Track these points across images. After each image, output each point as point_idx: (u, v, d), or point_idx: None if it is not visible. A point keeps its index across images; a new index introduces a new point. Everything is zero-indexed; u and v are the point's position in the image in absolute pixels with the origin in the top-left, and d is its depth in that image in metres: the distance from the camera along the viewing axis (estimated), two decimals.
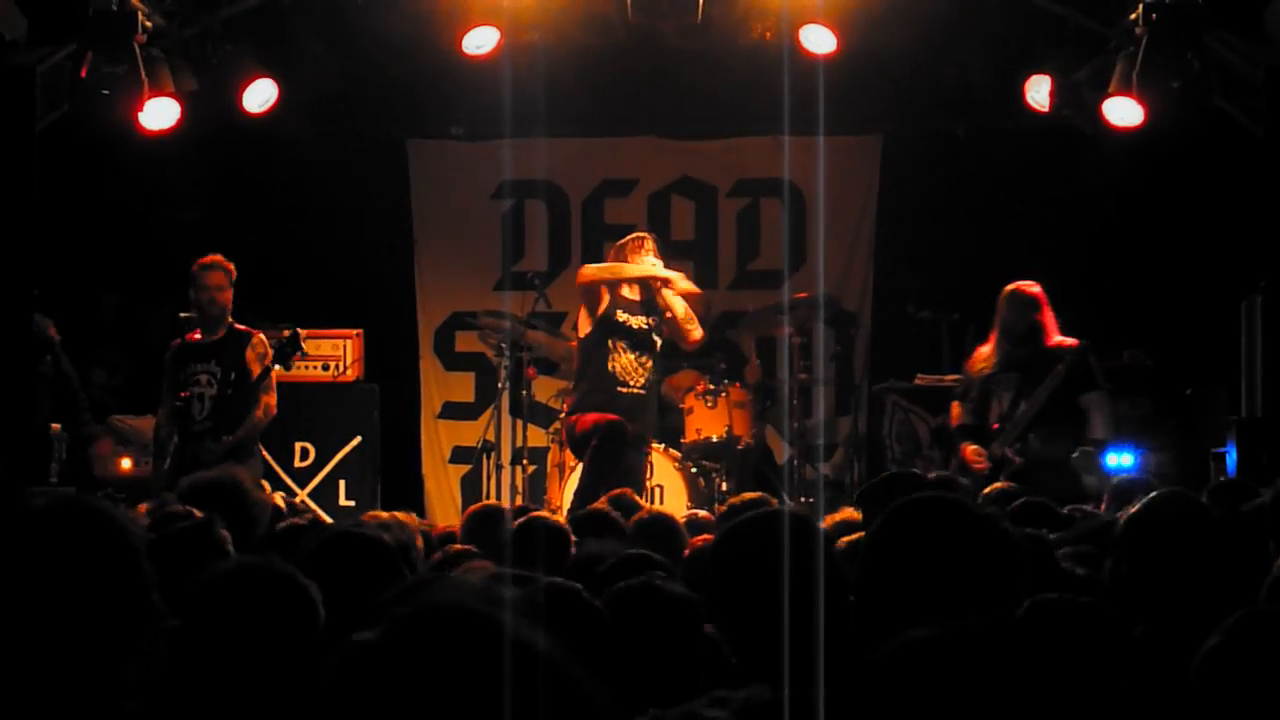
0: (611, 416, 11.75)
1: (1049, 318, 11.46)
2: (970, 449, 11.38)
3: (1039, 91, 12.97)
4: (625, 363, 12.00)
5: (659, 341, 12.16)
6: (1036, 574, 4.52)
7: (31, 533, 3.25)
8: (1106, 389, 11.47)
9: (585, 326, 12.19)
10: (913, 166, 14.95)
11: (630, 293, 12.13)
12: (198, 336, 11.55)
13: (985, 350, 11.63)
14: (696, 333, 12.17)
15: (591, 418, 11.84)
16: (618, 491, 9.32)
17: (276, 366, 11.45)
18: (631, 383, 12.01)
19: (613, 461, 11.68)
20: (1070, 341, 11.41)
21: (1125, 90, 11.99)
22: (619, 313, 12.06)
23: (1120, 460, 13.07)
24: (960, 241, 14.31)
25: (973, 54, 13.43)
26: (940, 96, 14.53)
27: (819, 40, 12.91)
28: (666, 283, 12.19)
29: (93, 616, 3.12)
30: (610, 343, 12.01)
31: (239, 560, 3.90)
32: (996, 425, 11.40)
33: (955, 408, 11.79)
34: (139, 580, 3.27)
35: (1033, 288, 11.50)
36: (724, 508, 8.38)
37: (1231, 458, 11.77)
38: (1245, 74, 12.15)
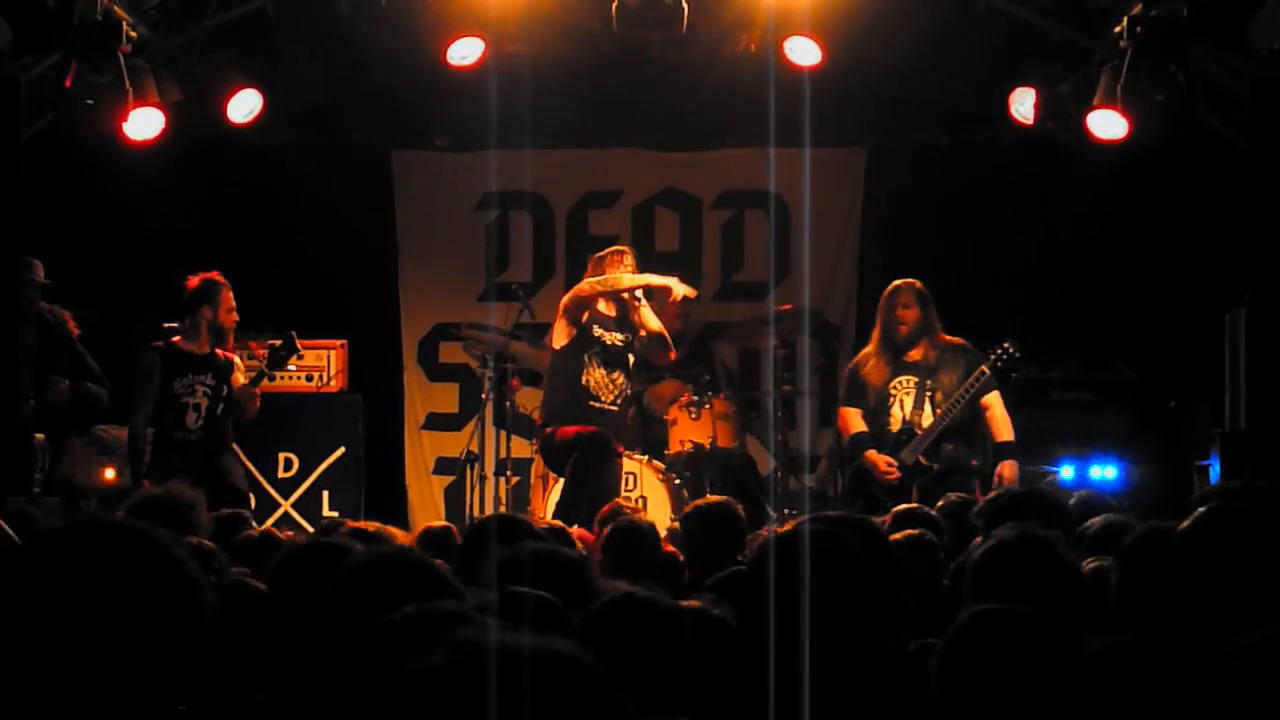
0: (593, 429, 11.74)
1: (934, 315, 11.52)
2: (882, 459, 11.37)
3: (1023, 104, 12.99)
4: (597, 378, 11.99)
5: (633, 359, 12.16)
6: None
7: (85, 558, 3.08)
8: (999, 388, 11.51)
9: (561, 339, 12.16)
10: (897, 179, 14.96)
11: (606, 308, 12.11)
12: (187, 346, 11.55)
13: (870, 351, 11.66)
14: (670, 355, 12.21)
15: (573, 429, 11.83)
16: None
17: (273, 375, 11.48)
18: (603, 398, 12.00)
19: (594, 473, 11.67)
20: (957, 340, 11.46)
21: (1109, 103, 12.00)
22: (595, 327, 12.05)
23: (1104, 473, 13.09)
24: (944, 254, 14.29)
25: (957, 67, 13.46)
26: (925, 109, 14.56)
27: (804, 52, 12.91)
28: (661, 292, 12.13)
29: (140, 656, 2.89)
30: (585, 357, 11.99)
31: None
32: (898, 430, 11.40)
33: (846, 415, 11.74)
34: (196, 618, 3.04)
35: (919, 284, 11.54)
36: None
37: (1215, 471, 11.77)
38: (1229, 87, 12.18)
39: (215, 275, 11.67)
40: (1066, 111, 12.66)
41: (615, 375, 12.04)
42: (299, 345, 11.66)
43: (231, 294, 11.67)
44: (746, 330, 14.65)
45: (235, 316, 11.68)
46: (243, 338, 11.98)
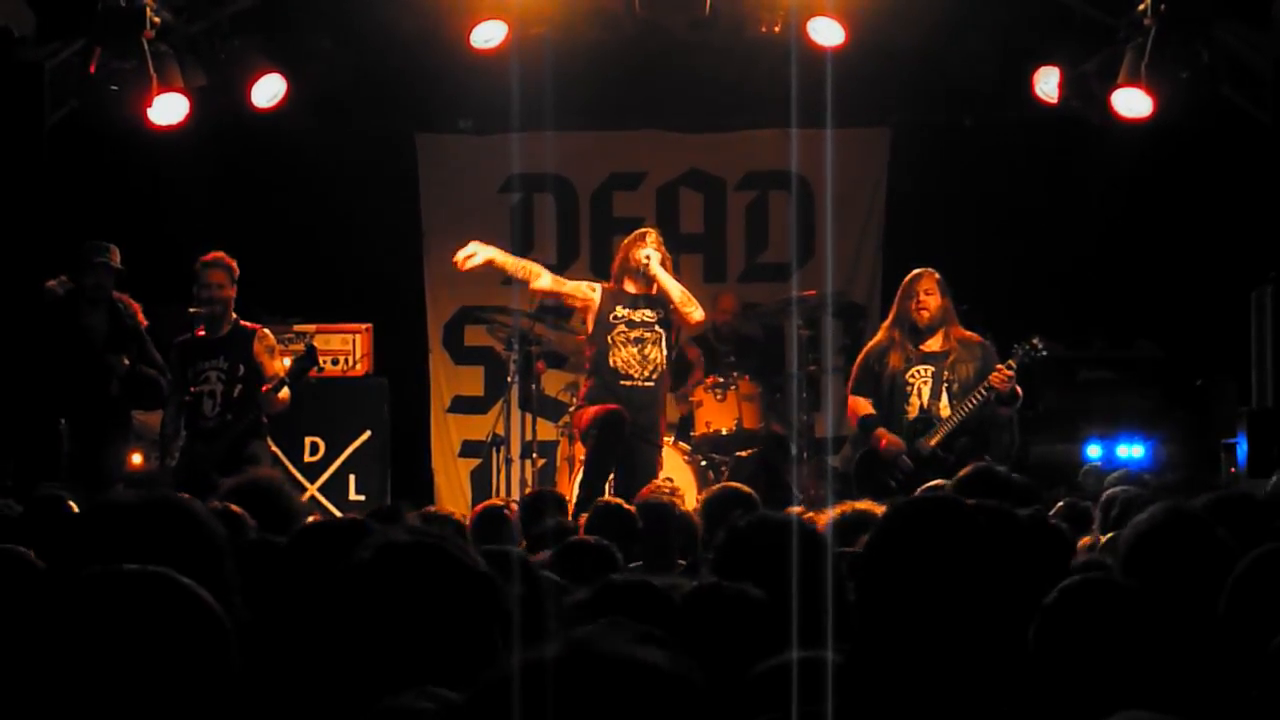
0: (610, 406, 11.76)
1: (953, 306, 11.43)
2: (890, 435, 11.25)
3: (1047, 83, 12.96)
4: (626, 356, 11.99)
5: (664, 334, 12.13)
6: None
7: (117, 528, 3.23)
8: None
9: (589, 325, 12.21)
10: (921, 158, 14.94)
11: (630, 286, 12.11)
12: (203, 333, 11.52)
13: (883, 340, 11.53)
14: (696, 314, 12.14)
15: (591, 411, 11.87)
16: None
17: (292, 385, 11.38)
18: (635, 375, 12.00)
19: (610, 452, 11.71)
20: (974, 336, 11.36)
21: (1134, 81, 11.98)
22: (617, 307, 12.06)
23: (1131, 452, 13.08)
24: (968, 233, 14.30)
25: (981, 45, 13.42)
26: (948, 88, 14.51)
27: (827, 32, 12.90)
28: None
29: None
30: (609, 338, 12.00)
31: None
32: (914, 418, 11.29)
33: (855, 403, 11.55)
34: (221, 580, 3.23)
35: (937, 274, 11.45)
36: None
37: (1242, 449, 11.75)
38: (1253, 64, 12.16)
39: (209, 255, 11.52)
40: (1091, 90, 12.63)
41: (647, 350, 12.04)
42: (319, 358, 11.65)
43: (219, 271, 11.35)
44: (771, 311, 14.65)
45: (215, 293, 11.31)
46: (267, 324, 11.97)
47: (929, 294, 11.41)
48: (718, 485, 8.51)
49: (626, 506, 8.21)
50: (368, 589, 3.44)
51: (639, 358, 12.00)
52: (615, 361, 11.96)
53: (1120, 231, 14.35)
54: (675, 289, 11.99)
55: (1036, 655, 3.78)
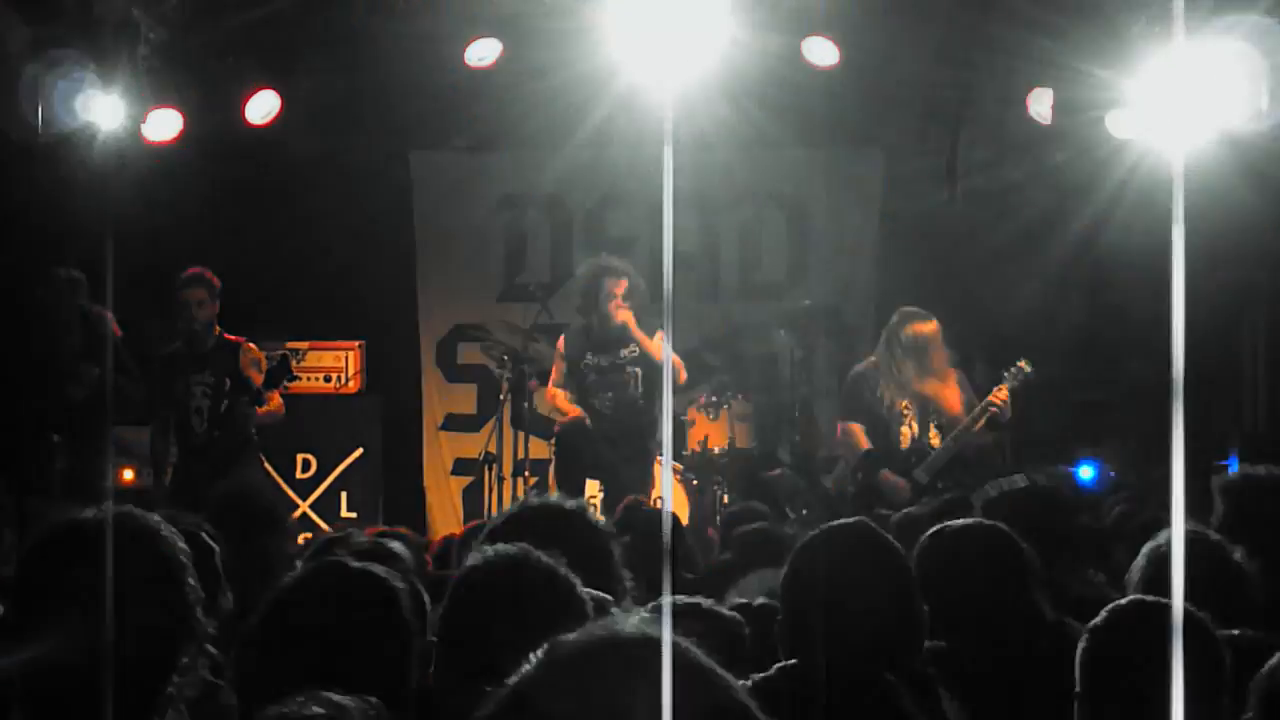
0: (566, 419, 11.96)
1: (943, 346, 11.38)
2: (901, 481, 11.19)
3: (1041, 104, 12.96)
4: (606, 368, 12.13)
5: (641, 371, 12.28)
6: None
7: (79, 544, 3.27)
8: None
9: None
10: (914, 179, 14.91)
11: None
12: (187, 346, 11.48)
13: (872, 369, 11.48)
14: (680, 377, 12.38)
15: (557, 427, 12.12)
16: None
17: (264, 399, 11.37)
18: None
19: (569, 465, 11.86)
20: (948, 370, 11.32)
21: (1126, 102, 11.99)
22: (586, 354, 12.26)
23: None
24: (962, 253, 14.28)
25: (975, 66, 13.42)
26: (943, 108, 14.50)
27: (821, 52, 12.90)
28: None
29: (133, 629, 3.14)
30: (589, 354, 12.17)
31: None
32: (908, 448, 11.25)
33: (852, 430, 11.53)
34: (181, 596, 3.30)
35: (933, 321, 11.38)
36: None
37: (1234, 470, 11.73)
38: None
39: (187, 272, 11.52)
40: (1084, 111, 12.64)
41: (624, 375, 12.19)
42: (294, 369, 11.62)
43: (198, 290, 11.42)
44: (763, 331, 14.64)
45: (195, 312, 11.35)
46: (260, 341, 11.95)
47: (918, 338, 11.35)
48: (745, 503, 8.48)
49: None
50: (299, 606, 3.57)
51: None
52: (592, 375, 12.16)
53: (1113, 251, 14.33)
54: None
55: (1084, 674, 3.80)
